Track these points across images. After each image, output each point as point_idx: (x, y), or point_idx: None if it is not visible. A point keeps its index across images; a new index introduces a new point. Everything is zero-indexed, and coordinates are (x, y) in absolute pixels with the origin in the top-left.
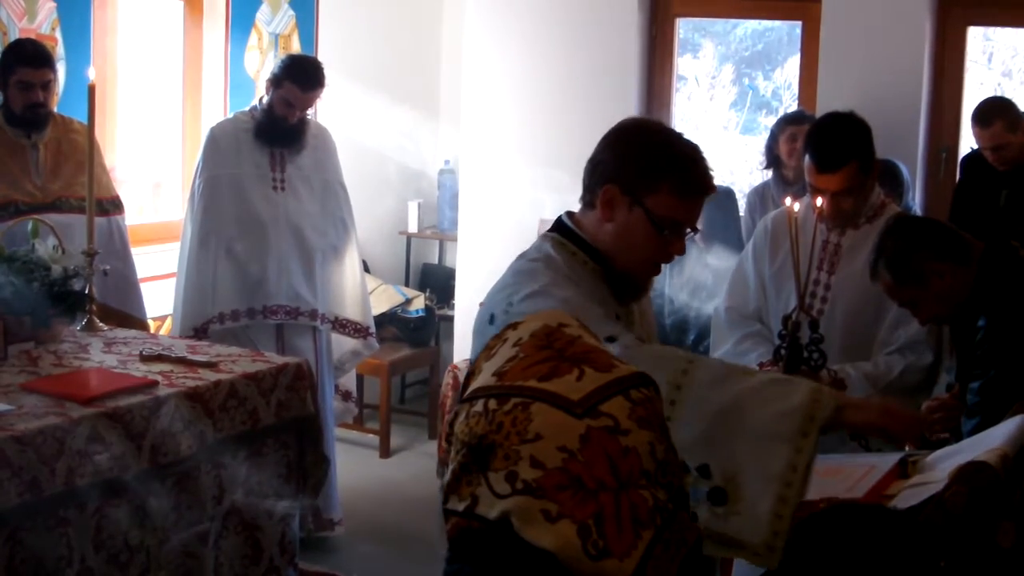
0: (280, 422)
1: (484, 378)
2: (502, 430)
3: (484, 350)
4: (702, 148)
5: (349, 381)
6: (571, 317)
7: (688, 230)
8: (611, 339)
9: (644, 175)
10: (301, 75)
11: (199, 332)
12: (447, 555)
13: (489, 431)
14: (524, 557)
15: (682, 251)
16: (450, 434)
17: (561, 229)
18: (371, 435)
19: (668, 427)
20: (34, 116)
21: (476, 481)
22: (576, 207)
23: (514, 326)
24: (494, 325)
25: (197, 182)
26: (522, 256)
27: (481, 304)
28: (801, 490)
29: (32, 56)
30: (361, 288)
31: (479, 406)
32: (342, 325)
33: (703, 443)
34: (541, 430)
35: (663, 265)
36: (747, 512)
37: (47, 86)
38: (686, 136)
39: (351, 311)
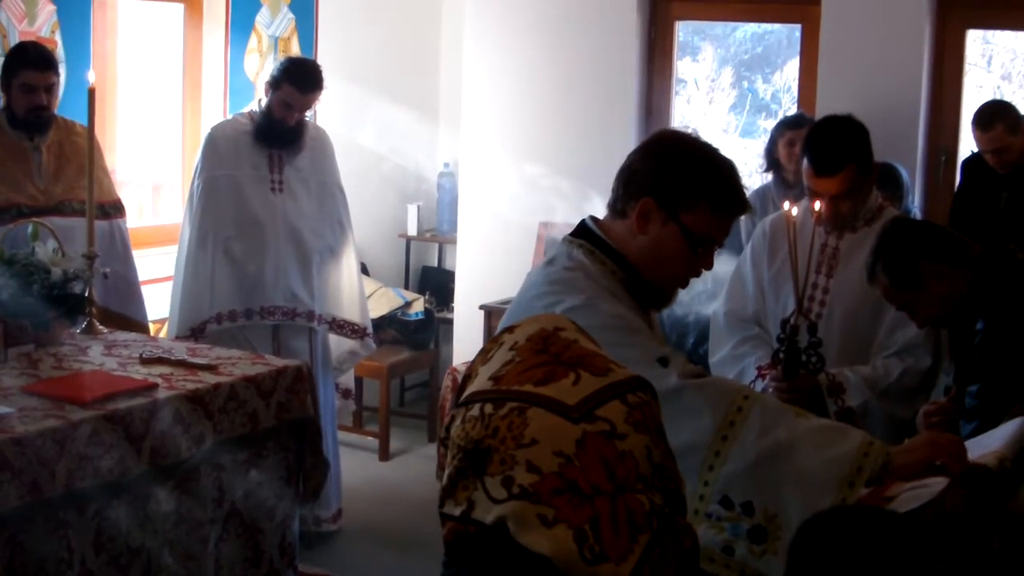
0: (280, 425)
1: (480, 382)
2: (498, 435)
3: (481, 353)
4: (737, 165)
5: (347, 379)
6: (567, 321)
7: (718, 246)
8: (663, 361)
9: (683, 191)
10: (300, 77)
11: (196, 332)
12: (444, 559)
13: (485, 436)
14: (520, 562)
15: (710, 267)
16: (446, 438)
17: (588, 235)
18: (370, 438)
19: (716, 462)
20: (37, 119)
21: (472, 486)
22: (576, 210)
23: (511, 330)
24: None
25: (196, 183)
26: (550, 263)
27: (481, 306)
28: None
29: (36, 59)
30: (358, 289)
31: (475, 411)
32: (339, 326)
33: (750, 480)
34: (537, 435)
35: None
36: (783, 553)
37: (50, 89)
38: (721, 152)
39: (348, 312)
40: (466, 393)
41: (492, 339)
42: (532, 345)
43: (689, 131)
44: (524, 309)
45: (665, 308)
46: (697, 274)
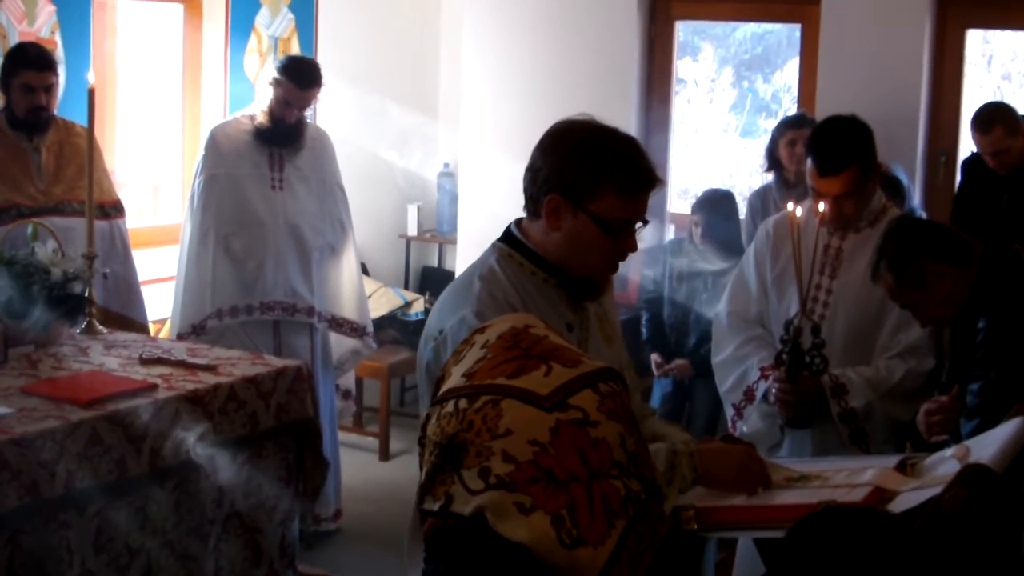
0: (279, 425)
1: (454, 380)
2: (473, 428)
3: (453, 355)
4: (639, 141)
5: (348, 380)
6: (536, 319)
7: (639, 223)
8: None
9: (585, 181)
10: (298, 74)
11: (197, 329)
12: (424, 555)
13: (460, 430)
14: (499, 552)
15: (635, 248)
16: (423, 438)
17: (509, 239)
18: (371, 438)
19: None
20: (36, 119)
21: (450, 480)
22: None
23: (481, 330)
24: (432, 344)
25: (197, 181)
26: (470, 267)
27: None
28: None
29: (36, 59)
30: (358, 288)
31: (450, 407)
32: (339, 324)
33: None
34: (511, 425)
35: (661, 267)
36: None
37: (50, 89)
38: (621, 131)
39: (348, 310)
40: (440, 392)
41: (464, 341)
42: (503, 342)
43: (585, 117)
44: (435, 317)
45: (600, 298)
46: (622, 257)
